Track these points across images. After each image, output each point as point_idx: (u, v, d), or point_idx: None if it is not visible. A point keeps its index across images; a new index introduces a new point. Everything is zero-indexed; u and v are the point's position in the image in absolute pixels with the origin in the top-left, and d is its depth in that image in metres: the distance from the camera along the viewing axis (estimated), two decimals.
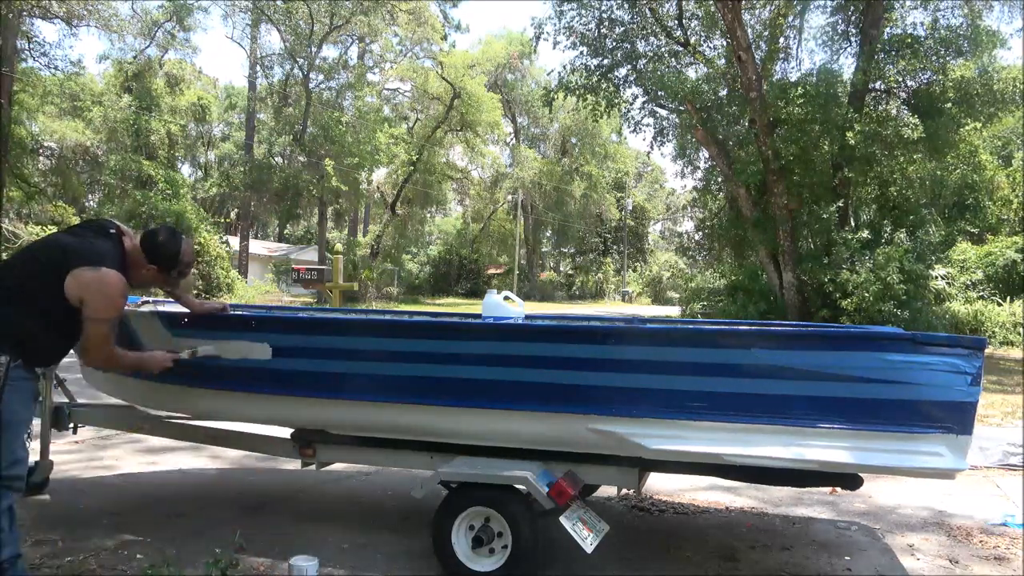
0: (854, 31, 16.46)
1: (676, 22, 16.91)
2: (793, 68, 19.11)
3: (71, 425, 4.43)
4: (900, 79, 15.02)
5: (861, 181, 15.36)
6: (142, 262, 2.94)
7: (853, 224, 16.05)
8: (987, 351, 4.45)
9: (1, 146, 19.86)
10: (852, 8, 16.10)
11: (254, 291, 28.03)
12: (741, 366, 2.94)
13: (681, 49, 17.08)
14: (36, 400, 2.95)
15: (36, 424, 4.36)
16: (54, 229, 22.15)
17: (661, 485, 4.85)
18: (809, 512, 4.49)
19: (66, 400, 4.47)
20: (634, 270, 55.90)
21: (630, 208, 56.99)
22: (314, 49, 31.16)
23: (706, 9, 16.46)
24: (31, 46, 23.01)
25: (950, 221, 21.38)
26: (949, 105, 13.93)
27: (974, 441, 3.03)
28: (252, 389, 3.48)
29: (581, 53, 17.50)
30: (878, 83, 15.21)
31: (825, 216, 14.71)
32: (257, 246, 36.13)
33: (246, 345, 3.37)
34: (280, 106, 32.59)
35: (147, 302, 4.14)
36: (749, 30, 15.67)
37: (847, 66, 16.98)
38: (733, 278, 18.48)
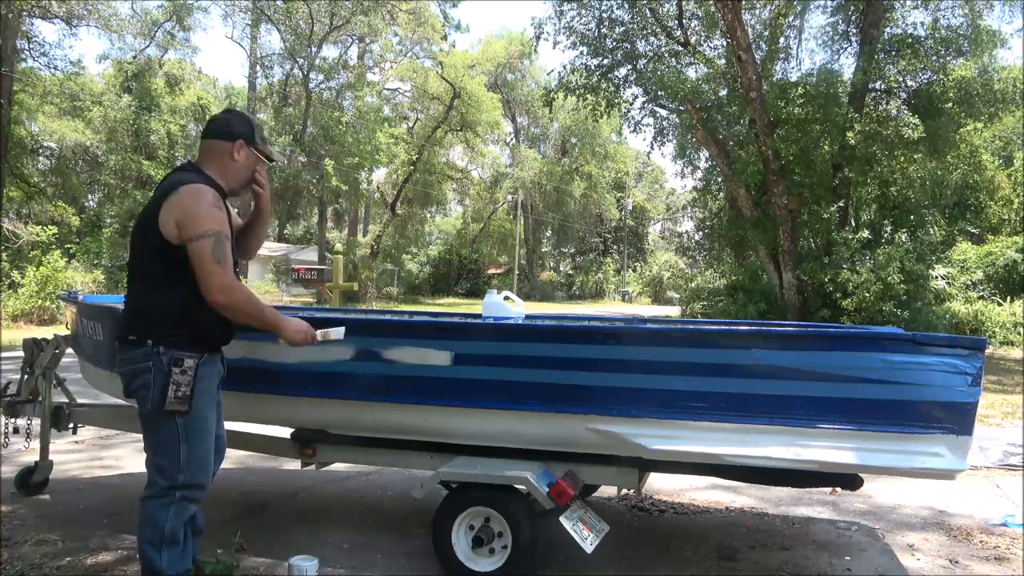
0: (854, 31, 16.46)
1: (676, 22, 16.90)
2: (793, 68, 19.17)
3: (71, 425, 4.45)
4: (900, 79, 15.02)
5: (861, 181, 15.35)
6: (226, 149, 2.62)
7: (853, 224, 16.04)
8: (987, 351, 4.45)
9: (1, 146, 19.87)
10: (852, 8, 16.08)
11: (254, 291, 27.90)
12: (741, 366, 2.92)
13: (681, 49, 17.08)
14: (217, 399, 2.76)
15: (36, 424, 4.40)
16: (54, 229, 22.20)
17: (661, 485, 4.85)
18: (809, 512, 4.48)
19: (66, 400, 4.47)
20: (634, 270, 55.89)
21: (630, 208, 56.99)
22: (314, 49, 31.17)
23: (706, 9, 16.45)
24: (31, 46, 23.06)
25: (950, 221, 21.38)
26: (949, 105, 13.93)
27: (974, 441, 3.02)
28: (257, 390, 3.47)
29: (581, 53, 17.51)
30: (878, 83, 15.20)
31: (825, 216, 14.70)
32: None
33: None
34: (280, 106, 32.58)
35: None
36: (749, 30, 15.66)
37: (847, 66, 17.01)
38: (733, 278, 18.49)
